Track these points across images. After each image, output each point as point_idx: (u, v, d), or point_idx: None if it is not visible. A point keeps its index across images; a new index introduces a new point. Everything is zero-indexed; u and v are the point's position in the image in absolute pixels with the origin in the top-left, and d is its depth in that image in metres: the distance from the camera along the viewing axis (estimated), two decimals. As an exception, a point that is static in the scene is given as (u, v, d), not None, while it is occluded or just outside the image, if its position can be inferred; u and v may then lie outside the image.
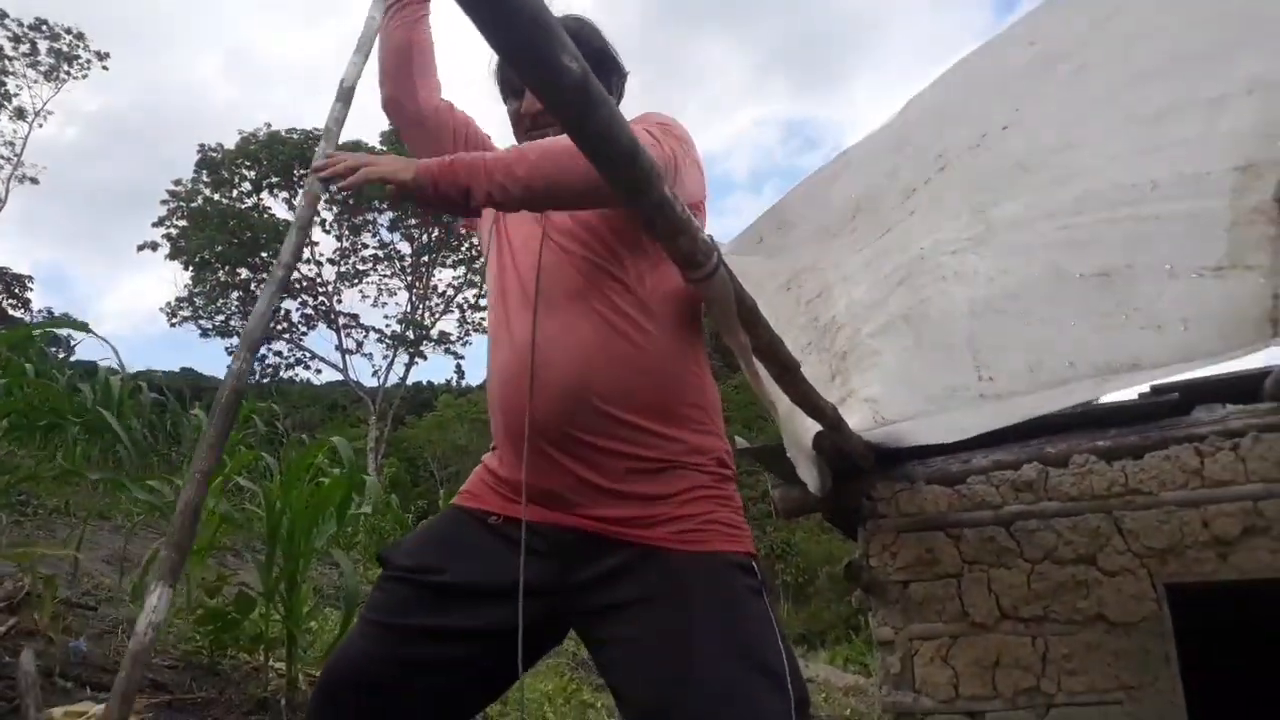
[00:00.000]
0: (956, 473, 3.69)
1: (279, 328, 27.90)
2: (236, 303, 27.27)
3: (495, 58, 1.95)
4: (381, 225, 27.83)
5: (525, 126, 1.92)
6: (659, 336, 1.72)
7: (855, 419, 2.63)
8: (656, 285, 1.75)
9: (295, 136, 26.33)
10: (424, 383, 43.85)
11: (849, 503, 3.84)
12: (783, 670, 1.52)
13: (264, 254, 26.47)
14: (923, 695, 3.56)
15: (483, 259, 2.04)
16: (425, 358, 29.38)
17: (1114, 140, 1.73)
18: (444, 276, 28.59)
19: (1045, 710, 3.40)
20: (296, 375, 29.94)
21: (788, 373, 2.06)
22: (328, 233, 27.63)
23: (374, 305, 28.96)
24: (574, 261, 1.73)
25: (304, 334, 28.61)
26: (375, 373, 28.54)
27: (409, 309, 28.34)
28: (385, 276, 28.35)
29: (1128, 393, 3.42)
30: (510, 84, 1.97)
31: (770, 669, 1.50)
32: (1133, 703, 3.29)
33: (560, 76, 0.94)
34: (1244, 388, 3.38)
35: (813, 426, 2.54)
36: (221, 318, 27.39)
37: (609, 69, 1.94)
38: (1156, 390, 3.50)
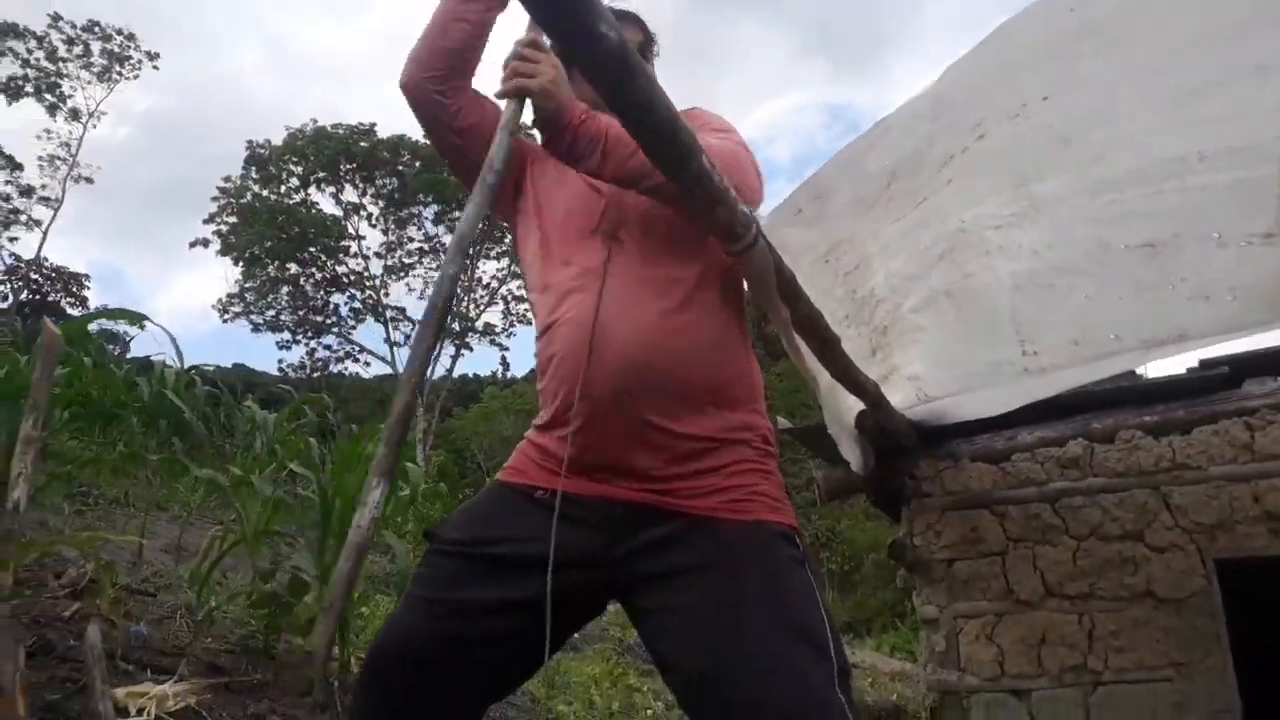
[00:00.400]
0: (1001, 450, 3.68)
1: (328, 321, 28.27)
2: (286, 297, 27.70)
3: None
4: (426, 219, 28.09)
5: None
6: (712, 316, 1.77)
7: (898, 397, 2.63)
8: (709, 265, 1.79)
9: (341, 131, 26.65)
10: (470, 375, 44.10)
11: (892, 482, 3.84)
12: (826, 640, 1.55)
13: (311, 249, 26.84)
14: (968, 673, 3.55)
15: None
16: (471, 349, 29.67)
17: (1158, 112, 1.72)
18: (488, 269, 28.80)
19: (1093, 688, 3.38)
20: (346, 369, 30.42)
21: (828, 347, 2.08)
22: (374, 226, 27.94)
23: (420, 298, 29.12)
24: (636, 240, 1.77)
25: (353, 328, 29.05)
26: (423, 365, 28.75)
27: (455, 301, 28.47)
28: (431, 269, 28.61)
29: (1175, 367, 3.39)
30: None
31: (815, 639, 1.54)
32: (1182, 680, 3.26)
33: (598, 44, 0.97)
34: (1295, 360, 3.33)
35: (855, 404, 2.55)
36: (272, 312, 27.86)
37: (648, 40, 1.97)
38: (1205, 364, 3.46)
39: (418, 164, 26.66)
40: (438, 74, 1.90)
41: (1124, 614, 3.37)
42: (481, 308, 28.81)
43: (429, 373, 27.98)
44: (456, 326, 28.25)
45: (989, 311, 2.09)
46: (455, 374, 31.33)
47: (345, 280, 27.93)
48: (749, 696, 1.49)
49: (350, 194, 27.43)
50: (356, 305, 28.67)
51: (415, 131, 26.15)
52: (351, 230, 27.68)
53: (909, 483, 3.80)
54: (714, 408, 1.74)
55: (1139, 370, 3.25)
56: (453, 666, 1.67)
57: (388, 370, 29.36)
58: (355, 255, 27.77)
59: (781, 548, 1.65)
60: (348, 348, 29.31)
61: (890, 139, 2.01)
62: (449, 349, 28.51)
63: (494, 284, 28.52)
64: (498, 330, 29.31)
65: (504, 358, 31.55)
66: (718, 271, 1.80)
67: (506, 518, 1.77)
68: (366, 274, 28.07)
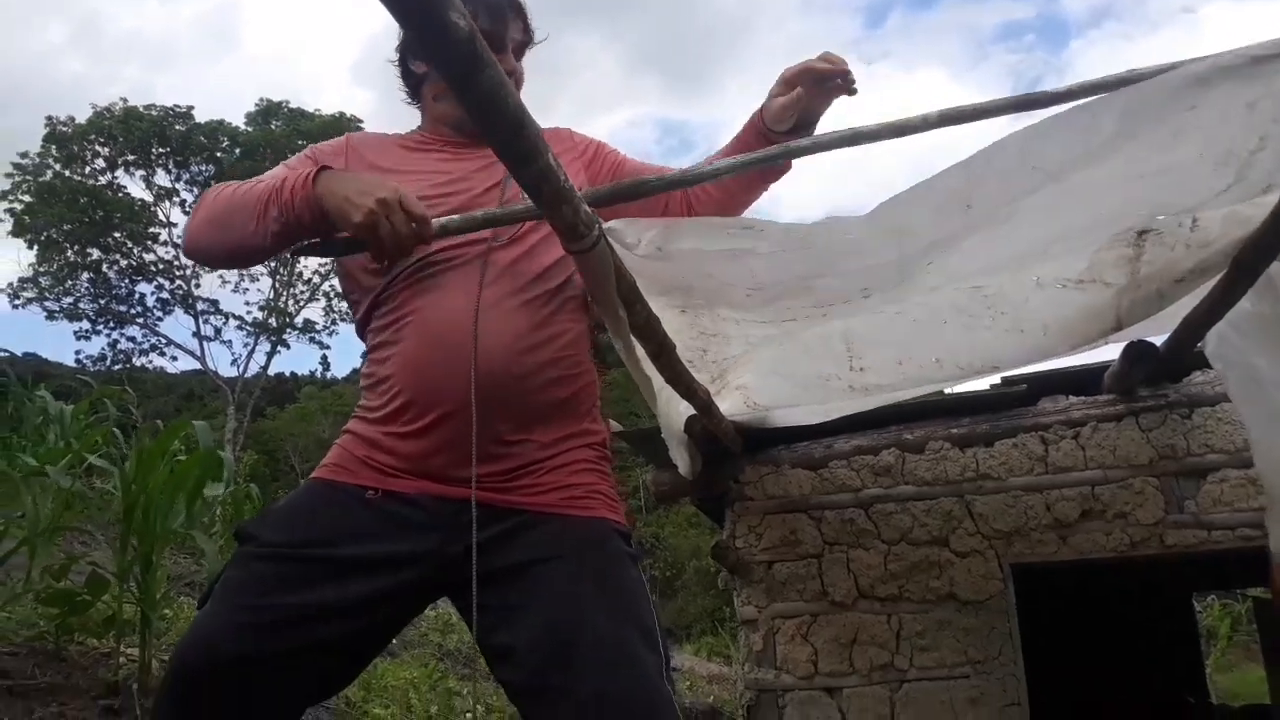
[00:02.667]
0: (819, 457, 3.83)
1: (132, 312, 26.63)
2: (87, 284, 25.89)
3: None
4: (243, 207, 26.83)
5: (433, 93, 1.95)
6: (571, 327, 1.79)
7: (726, 404, 2.70)
8: (563, 277, 1.81)
9: (154, 113, 25.12)
10: (287, 373, 42.51)
11: (718, 486, 3.94)
12: (655, 631, 1.61)
13: (117, 234, 25.22)
14: (783, 672, 3.68)
15: None
16: (288, 346, 28.45)
17: (1017, 210, 1.89)
18: (310, 263, 27.74)
19: (898, 685, 3.56)
20: (150, 363, 28.58)
21: (664, 352, 2.11)
22: (187, 214, 26.44)
23: (235, 291, 27.74)
24: (505, 248, 1.77)
25: (159, 319, 27.30)
26: (235, 361, 27.40)
27: (272, 295, 27.41)
28: (248, 259, 27.33)
29: (981, 383, 3.60)
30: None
31: (647, 628, 1.60)
32: (979, 676, 3.48)
33: (446, 33, 0.96)
34: (1085, 380, 3.60)
35: (685, 410, 2.60)
36: (70, 300, 25.95)
37: (528, 39, 1.97)
38: (1006, 381, 3.70)
39: (237, 151, 25.37)
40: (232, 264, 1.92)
41: (929, 615, 3.57)
42: (301, 303, 27.67)
43: (241, 370, 26.89)
44: (274, 323, 27.08)
45: (823, 332, 2.18)
46: (271, 371, 29.99)
47: (153, 269, 26.30)
48: (591, 684, 1.51)
49: (162, 179, 25.77)
50: (165, 296, 26.96)
51: (235, 116, 25.03)
52: (162, 217, 26.06)
53: (733, 487, 3.91)
54: (564, 416, 1.77)
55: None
56: (273, 672, 1.61)
57: (197, 366, 27.81)
58: (165, 243, 26.16)
59: (619, 543, 1.71)
60: (153, 340, 27.51)
61: (763, 259, 2.05)
62: (264, 345, 27.27)
63: (316, 279, 27.46)
64: (318, 328, 28.19)
65: (325, 357, 30.44)
66: (574, 287, 1.83)
67: (334, 518, 1.72)
68: (177, 263, 26.47)
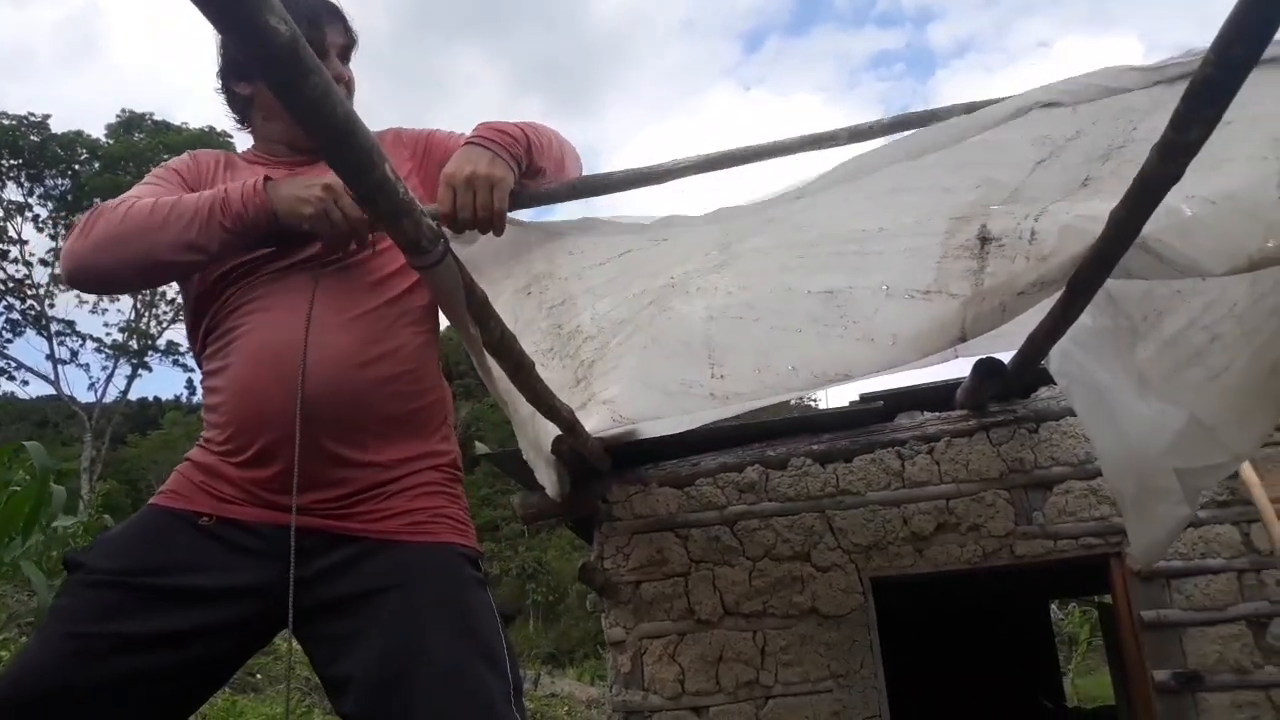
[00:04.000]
0: (686, 475, 3.85)
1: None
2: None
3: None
4: (101, 225, 25.53)
5: (264, 114, 1.87)
6: (411, 343, 1.74)
7: (593, 421, 2.68)
8: (411, 289, 1.76)
9: (6, 122, 23.68)
10: (149, 398, 40.69)
11: (586, 506, 3.91)
12: (504, 659, 1.58)
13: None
14: (651, 693, 3.67)
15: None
16: (150, 370, 27.18)
17: (850, 201, 1.91)
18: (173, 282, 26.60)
19: (764, 701, 3.59)
20: (-1, 388, 26.94)
21: (522, 371, 2.08)
22: (40, 230, 25.08)
23: (93, 311, 26.32)
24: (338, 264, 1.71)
25: (8, 341, 25.69)
26: (92, 386, 26.05)
27: (133, 316, 26.14)
28: (107, 279, 25.99)
29: (840, 400, 3.68)
30: (242, 64, 1.84)
31: (493, 654, 1.56)
32: (841, 690, 3.54)
33: (265, 38, 0.91)
34: (938, 397, 3.72)
35: (552, 430, 2.57)
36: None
37: (350, 42, 1.90)
38: (864, 398, 3.80)
39: (96, 164, 24.16)
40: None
41: (792, 630, 3.61)
42: (165, 325, 26.45)
43: (99, 395, 25.55)
44: (135, 345, 25.86)
45: (684, 335, 2.20)
46: (132, 396, 28.58)
47: (2, 288, 24.81)
48: (425, 713, 1.47)
49: (13, 192, 24.36)
50: (15, 317, 25.42)
51: (94, 128, 23.84)
52: (13, 233, 24.63)
53: (601, 506, 3.89)
54: (406, 435, 1.71)
55: (811, 402, 3.50)
56: (103, 707, 1.52)
57: (51, 391, 26.28)
58: (16, 261, 24.72)
59: (464, 568, 1.66)
60: (1, 364, 25.94)
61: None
62: (124, 369, 25.97)
63: (179, 299, 26.28)
64: (182, 349, 26.94)
65: (190, 380, 29.09)
66: (419, 297, 1.78)
67: (167, 545, 1.63)
68: (29, 281, 25.01)
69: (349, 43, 1.90)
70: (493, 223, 1.63)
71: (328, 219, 1.59)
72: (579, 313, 2.23)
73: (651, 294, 2.18)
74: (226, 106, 1.93)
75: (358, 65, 1.93)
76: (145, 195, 1.72)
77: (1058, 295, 2.03)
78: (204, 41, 1.84)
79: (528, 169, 1.73)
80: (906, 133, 1.73)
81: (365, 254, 1.74)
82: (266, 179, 1.65)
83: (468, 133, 1.75)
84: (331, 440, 1.61)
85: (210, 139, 23.11)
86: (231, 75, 1.87)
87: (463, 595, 1.62)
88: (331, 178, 1.59)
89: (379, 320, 1.70)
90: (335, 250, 1.67)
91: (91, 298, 24.82)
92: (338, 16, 1.88)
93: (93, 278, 1.76)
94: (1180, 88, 1.36)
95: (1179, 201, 1.60)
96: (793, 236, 1.99)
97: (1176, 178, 1.48)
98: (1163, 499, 2.22)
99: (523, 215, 1.90)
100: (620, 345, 2.30)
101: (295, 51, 0.95)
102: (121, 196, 1.73)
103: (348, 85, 1.88)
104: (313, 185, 1.61)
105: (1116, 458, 2.32)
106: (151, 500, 1.73)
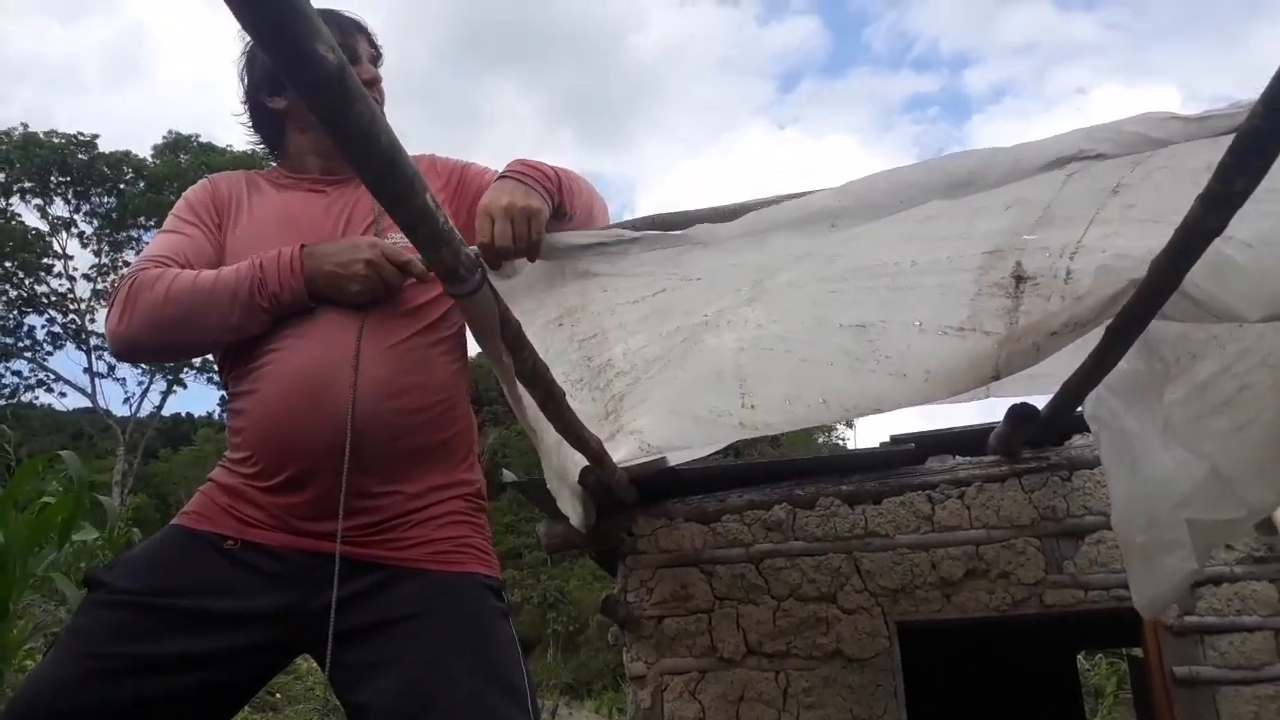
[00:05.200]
0: (712, 511, 3.82)
1: (19, 345, 25.45)
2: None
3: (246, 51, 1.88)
4: (146, 242, 25.97)
5: (299, 126, 1.89)
6: (441, 374, 1.74)
7: (621, 452, 2.68)
8: (442, 319, 1.77)
9: (56, 140, 24.21)
10: (182, 414, 41.03)
11: (611, 539, 3.90)
12: (524, 689, 1.57)
13: (8, 264, 24.16)
14: (671, 730, 3.62)
15: None
16: (185, 386, 27.48)
17: (884, 232, 1.90)
18: (209, 299, 26.85)
19: (785, 743, 3.53)
20: (38, 399, 27.24)
21: (552, 400, 2.07)
22: (85, 246, 25.52)
23: (132, 327, 26.57)
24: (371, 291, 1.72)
25: (49, 354, 26.13)
26: (128, 400, 26.42)
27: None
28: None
29: (871, 441, 3.65)
30: (276, 77, 1.85)
31: (514, 687, 1.55)
32: (863, 734, 3.48)
33: (313, 67, 0.92)
34: (971, 441, 3.68)
35: (579, 460, 2.56)
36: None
37: (376, 54, 1.93)
38: (895, 440, 3.76)
39: (141, 184, 24.60)
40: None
41: (815, 672, 3.56)
42: (201, 342, 26.70)
43: (133, 410, 25.82)
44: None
45: (715, 367, 2.20)
46: (166, 412, 28.86)
47: (45, 301, 25.21)
48: None
49: (60, 208, 24.81)
50: (56, 330, 25.85)
51: (141, 148, 24.27)
52: (58, 248, 25.07)
53: (626, 539, 3.87)
54: (434, 465, 1.72)
55: (840, 440, 3.47)
56: None
57: (87, 404, 26.62)
58: (60, 275, 25.15)
59: (487, 599, 1.65)
60: (40, 375, 26.30)
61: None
62: (159, 384, 26.25)
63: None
64: (217, 367, 27.30)
65: (223, 397, 29.29)
66: (450, 325, 1.79)
67: (189, 567, 1.64)
68: (71, 296, 25.41)
69: (377, 54, 1.92)
70: (529, 253, 1.64)
71: (369, 295, 1.65)
72: (611, 346, 2.23)
73: (684, 332, 2.18)
74: (253, 126, 1.95)
75: (396, 94, 1.95)
76: (172, 252, 1.74)
77: (1093, 338, 2.01)
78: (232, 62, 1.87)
79: (557, 209, 1.74)
80: (943, 157, 1.71)
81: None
82: (303, 248, 1.67)
83: (501, 168, 1.77)
84: (359, 472, 1.61)
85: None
86: (264, 90, 1.88)
87: (485, 627, 1.61)
88: (368, 247, 1.65)
89: (413, 349, 1.70)
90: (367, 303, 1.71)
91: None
92: (364, 31, 1.90)
93: (141, 358, 1.81)
94: (1224, 140, 1.34)
95: (1217, 243, 1.58)
96: (825, 270, 1.98)
97: (1219, 230, 1.45)
98: (1171, 551, 2.17)
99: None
100: (651, 379, 2.30)
101: (342, 80, 0.96)
102: (150, 255, 1.75)
103: (379, 90, 1.90)
104: (355, 260, 1.64)
105: (1130, 505, 2.28)
106: (174, 520, 1.74)
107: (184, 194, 1.92)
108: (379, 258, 1.64)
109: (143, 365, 23.23)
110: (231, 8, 0.85)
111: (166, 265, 1.72)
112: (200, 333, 1.69)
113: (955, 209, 1.78)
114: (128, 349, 1.73)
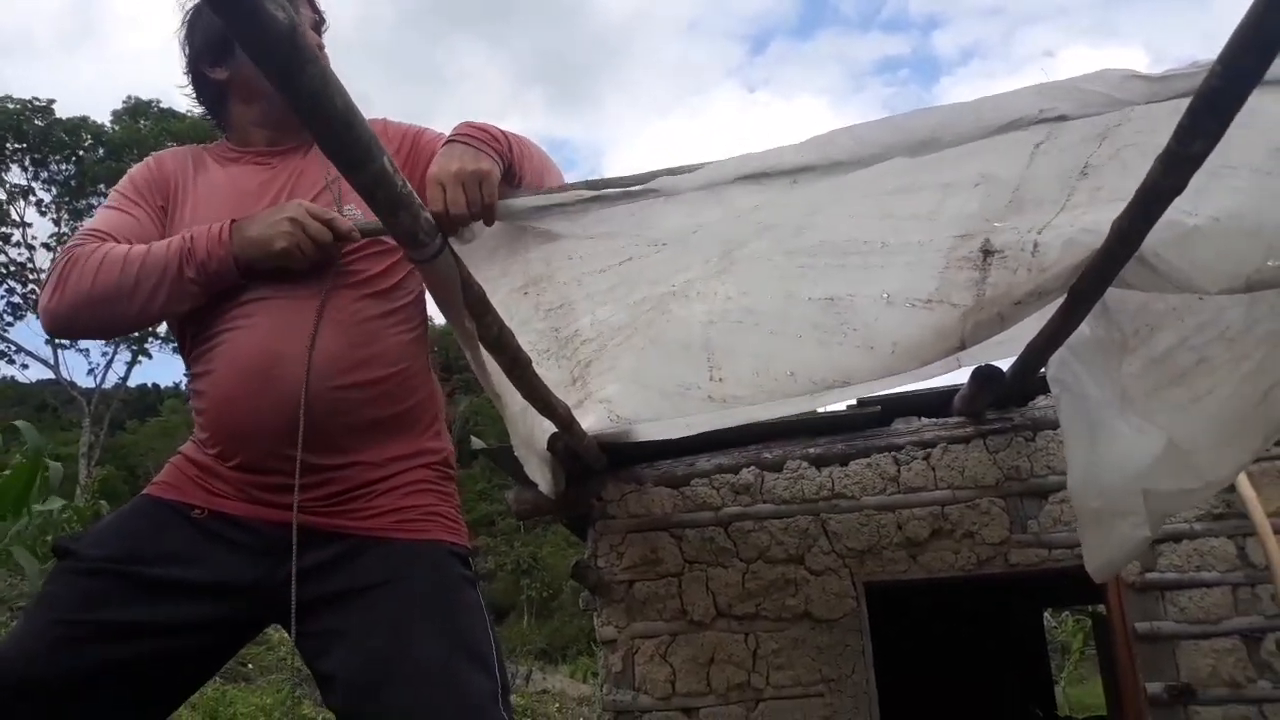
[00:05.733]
0: (681, 475, 3.84)
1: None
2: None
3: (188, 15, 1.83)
4: (109, 210, 25.46)
5: (242, 98, 1.84)
6: (399, 343, 1.72)
7: (590, 420, 2.67)
8: (399, 283, 1.75)
9: (11, 106, 23.64)
10: (149, 385, 40.65)
11: (581, 504, 3.90)
12: (492, 658, 1.58)
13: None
14: (642, 693, 3.66)
15: None
16: (150, 356, 27.16)
17: (853, 206, 1.89)
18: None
19: (755, 704, 3.58)
20: (-2, 371, 26.95)
21: (518, 366, 2.06)
22: (44, 214, 25.05)
23: (94, 294, 26.20)
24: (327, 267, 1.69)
25: (9, 325, 25.72)
26: (92, 371, 26.10)
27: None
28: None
29: (837, 404, 3.67)
30: (217, 46, 1.80)
31: (480, 654, 1.56)
32: (832, 694, 3.53)
33: (264, 25, 0.90)
34: (936, 402, 3.71)
35: (548, 427, 2.56)
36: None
37: (319, 19, 1.89)
38: (862, 402, 3.79)
39: (100, 150, 24.11)
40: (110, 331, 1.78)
41: (784, 633, 3.60)
42: (166, 311, 26.37)
43: (98, 381, 25.50)
44: (135, 331, 25.81)
45: (683, 339, 2.18)
46: (131, 383, 28.51)
47: (3, 271, 24.79)
48: (412, 707, 1.47)
49: (17, 176, 24.31)
50: (16, 300, 25.43)
51: (100, 114, 23.78)
52: (16, 216, 24.58)
53: (596, 505, 3.88)
54: (395, 435, 1.71)
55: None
56: (87, 695, 1.52)
57: (50, 375, 26.26)
58: (18, 244, 24.71)
59: (453, 566, 1.66)
60: (2, 347, 25.92)
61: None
62: (124, 355, 25.93)
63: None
64: (187, 336, 26.92)
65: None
66: (405, 294, 1.77)
67: (158, 535, 1.63)
68: (30, 266, 24.99)
69: (319, 20, 1.88)
70: (484, 216, 1.62)
71: (298, 251, 1.59)
72: (578, 318, 2.21)
73: (652, 300, 2.16)
74: (196, 98, 1.90)
75: (360, 55, 1.91)
76: (112, 228, 1.71)
77: (1058, 304, 2.03)
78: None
79: (507, 171, 1.71)
80: (904, 114, 1.69)
81: (359, 252, 1.72)
82: (233, 223, 1.64)
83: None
84: (315, 448, 1.60)
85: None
86: (204, 60, 1.83)
87: (451, 593, 1.62)
88: (294, 208, 1.61)
89: (365, 322, 1.68)
90: (302, 267, 1.65)
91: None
92: None
93: (75, 335, 1.77)
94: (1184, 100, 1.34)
95: (1180, 214, 1.58)
96: (793, 242, 1.97)
97: (1179, 190, 1.46)
98: (1125, 518, 2.20)
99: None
100: (618, 346, 2.29)
101: (294, 39, 0.94)
102: (89, 229, 1.72)
103: (324, 57, 1.86)
104: (279, 219, 1.60)
105: (1086, 472, 2.31)
106: (145, 490, 1.73)
107: (129, 171, 1.88)
108: (303, 215, 1.59)
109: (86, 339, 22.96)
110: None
111: (103, 240, 1.68)
112: (132, 307, 1.64)
113: (922, 181, 1.77)
114: (60, 326, 1.70)
